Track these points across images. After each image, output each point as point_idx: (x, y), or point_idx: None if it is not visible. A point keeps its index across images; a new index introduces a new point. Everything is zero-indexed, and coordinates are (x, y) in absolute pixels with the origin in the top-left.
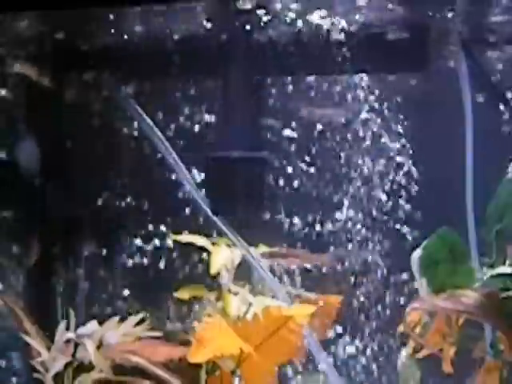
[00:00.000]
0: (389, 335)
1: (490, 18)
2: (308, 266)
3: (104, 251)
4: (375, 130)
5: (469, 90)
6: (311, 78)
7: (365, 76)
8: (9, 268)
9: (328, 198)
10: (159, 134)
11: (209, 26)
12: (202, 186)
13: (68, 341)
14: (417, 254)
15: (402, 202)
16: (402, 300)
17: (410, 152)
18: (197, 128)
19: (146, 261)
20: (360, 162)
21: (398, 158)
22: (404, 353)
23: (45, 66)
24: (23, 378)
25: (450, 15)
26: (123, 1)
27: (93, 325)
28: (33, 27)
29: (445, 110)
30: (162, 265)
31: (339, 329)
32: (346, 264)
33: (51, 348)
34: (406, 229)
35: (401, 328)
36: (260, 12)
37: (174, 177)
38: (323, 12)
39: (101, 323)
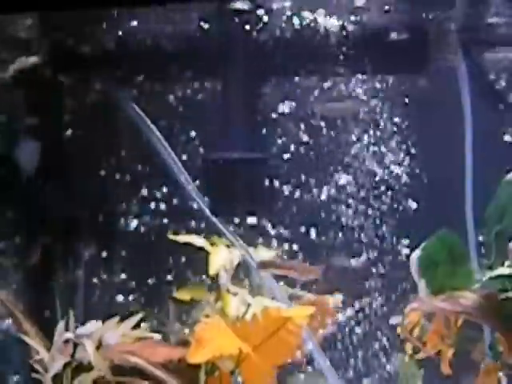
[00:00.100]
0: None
1: (489, 19)
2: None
3: (104, 252)
4: (374, 131)
5: (468, 90)
6: (311, 78)
7: (364, 76)
8: (8, 268)
9: (323, 200)
10: (158, 134)
11: (206, 26)
12: (201, 186)
13: (67, 341)
14: (416, 255)
15: (401, 202)
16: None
17: (410, 152)
18: (196, 128)
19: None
20: (357, 163)
21: (398, 158)
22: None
23: (44, 66)
24: (22, 377)
25: (449, 16)
26: (122, 2)
27: (92, 325)
28: (32, 28)
29: (444, 110)
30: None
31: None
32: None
33: (50, 348)
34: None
35: (399, 330)
36: (260, 12)
37: (173, 177)
38: (323, 12)
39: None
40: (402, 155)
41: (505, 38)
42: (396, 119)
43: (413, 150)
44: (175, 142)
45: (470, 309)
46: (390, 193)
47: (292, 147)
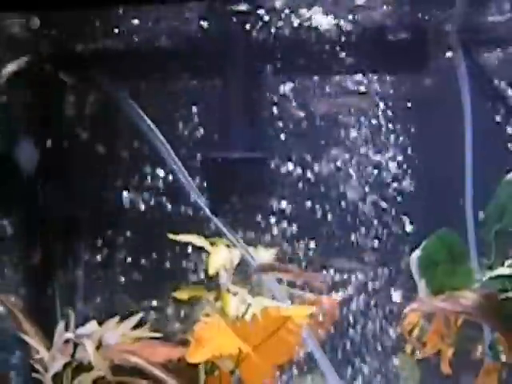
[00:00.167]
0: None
1: (489, 18)
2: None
3: (104, 252)
4: (374, 130)
5: (468, 89)
6: (311, 79)
7: (364, 76)
8: (8, 268)
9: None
10: (158, 134)
11: (205, 25)
12: (201, 186)
13: (67, 341)
14: (416, 254)
15: (400, 202)
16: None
17: (410, 152)
18: (196, 128)
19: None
20: (356, 163)
21: (398, 159)
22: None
23: (44, 66)
24: (22, 377)
25: (449, 16)
26: (121, 1)
27: (92, 325)
28: (32, 28)
29: (444, 110)
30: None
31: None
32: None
33: (50, 348)
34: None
35: (399, 330)
36: (260, 12)
37: (173, 177)
38: (323, 12)
39: (100, 323)
40: (401, 155)
41: (505, 38)
42: (396, 119)
43: (413, 150)
44: (175, 141)
45: (469, 309)
46: (389, 193)
47: (292, 146)
